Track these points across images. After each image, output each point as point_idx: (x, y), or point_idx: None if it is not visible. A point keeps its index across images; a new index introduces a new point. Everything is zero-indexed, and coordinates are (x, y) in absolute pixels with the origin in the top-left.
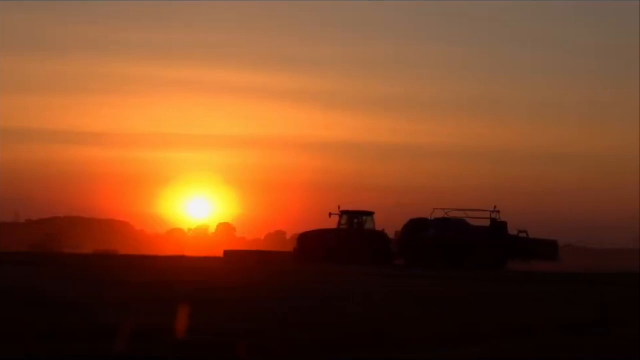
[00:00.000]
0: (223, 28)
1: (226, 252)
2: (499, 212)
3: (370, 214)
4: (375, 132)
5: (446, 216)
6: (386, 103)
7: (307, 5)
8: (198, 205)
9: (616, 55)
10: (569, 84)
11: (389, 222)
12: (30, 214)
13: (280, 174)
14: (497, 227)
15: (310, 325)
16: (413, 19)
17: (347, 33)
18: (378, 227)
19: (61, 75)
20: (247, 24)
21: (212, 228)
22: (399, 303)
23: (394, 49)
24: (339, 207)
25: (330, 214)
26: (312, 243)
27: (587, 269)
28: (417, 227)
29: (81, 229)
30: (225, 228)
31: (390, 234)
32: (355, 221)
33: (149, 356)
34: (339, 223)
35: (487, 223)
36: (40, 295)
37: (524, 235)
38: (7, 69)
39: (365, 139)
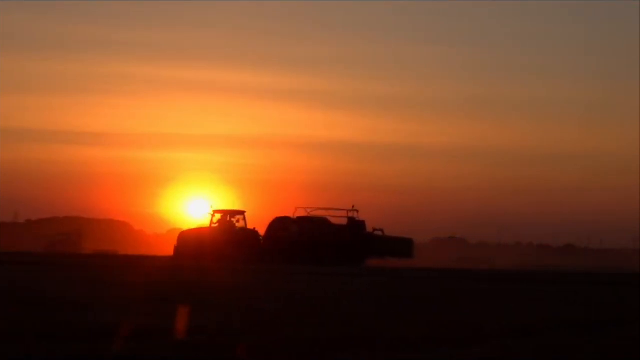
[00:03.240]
0: (223, 28)
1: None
2: (357, 211)
3: (241, 212)
4: (375, 132)
5: (308, 215)
6: (386, 103)
7: (307, 6)
8: (198, 205)
9: (616, 56)
10: (569, 84)
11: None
12: (30, 214)
13: (280, 174)
14: (356, 225)
15: (309, 325)
16: (413, 19)
17: (347, 33)
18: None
19: (61, 75)
20: (247, 24)
21: None
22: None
23: (394, 49)
24: (211, 207)
25: (202, 214)
26: (187, 241)
27: (588, 268)
28: (280, 226)
29: (81, 229)
30: None
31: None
32: (226, 220)
33: (149, 356)
34: (211, 222)
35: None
36: (40, 295)
37: (379, 233)
38: (7, 69)
39: (365, 139)
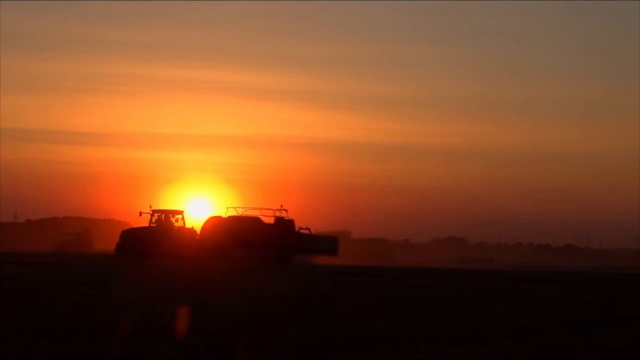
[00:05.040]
0: (223, 28)
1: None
2: (286, 210)
3: (179, 212)
4: (375, 132)
5: (239, 214)
6: (386, 103)
7: (307, 6)
8: (198, 205)
9: (616, 56)
10: (568, 84)
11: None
12: (30, 214)
13: (280, 174)
14: (284, 224)
15: (310, 325)
16: (413, 19)
17: (347, 33)
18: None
19: (61, 75)
20: (247, 24)
21: None
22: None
23: (394, 49)
24: (150, 206)
25: (141, 213)
26: (128, 239)
27: (587, 268)
28: (212, 225)
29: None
30: None
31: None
32: (165, 219)
33: (149, 356)
34: (150, 221)
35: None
36: (40, 295)
37: (306, 232)
38: (7, 69)
39: (365, 139)
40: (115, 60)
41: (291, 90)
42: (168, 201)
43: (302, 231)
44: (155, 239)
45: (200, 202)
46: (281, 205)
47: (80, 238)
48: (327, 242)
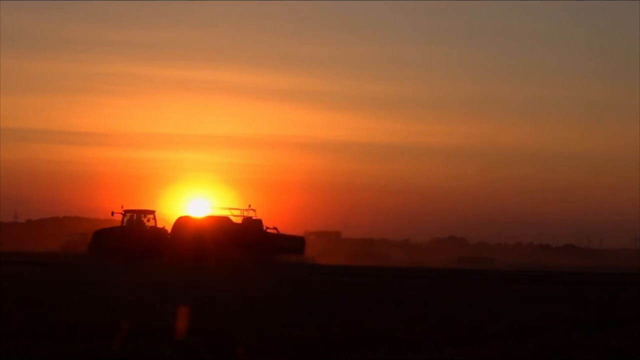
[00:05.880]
0: (223, 28)
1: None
2: (254, 210)
3: (151, 212)
4: (375, 132)
5: (209, 214)
6: (386, 103)
7: (307, 5)
8: (198, 205)
9: (616, 55)
10: (568, 84)
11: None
12: (30, 214)
13: (280, 174)
14: (252, 224)
15: (310, 325)
16: (413, 19)
17: (347, 33)
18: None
19: (61, 75)
20: (247, 24)
21: None
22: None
23: (394, 49)
24: (122, 207)
25: (113, 213)
26: (100, 239)
27: (587, 268)
28: (182, 225)
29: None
30: None
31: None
32: (137, 218)
33: (149, 356)
34: (122, 221)
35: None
36: (40, 295)
37: (274, 231)
38: (7, 69)
39: (365, 139)
40: (115, 60)
41: (291, 90)
42: (168, 201)
43: (269, 231)
44: (127, 239)
45: (200, 202)
46: (249, 205)
47: (86, 239)
48: (293, 242)
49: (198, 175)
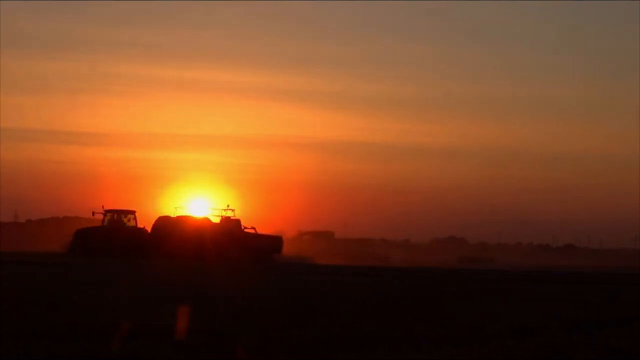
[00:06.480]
0: (223, 28)
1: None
2: (233, 210)
3: (132, 212)
4: (375, 132)
5: (188, 214)
6: (386, 103)
7: (308, 5)
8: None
9: (616, 56)
10: (568, 84)
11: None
12: (30, 214)
13: (280, 174)
14: (230, 223)
15: (311, 325)
16: (413, 19)
17: (347, 33)
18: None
19: (61, 75)
20: (247, 24)
21: None
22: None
23: (394, 49)
24: (103, 207)
25: (94, 213)
26: (81, 238)
27: (587, 268)
28: (162, 225)
29: None
30: None
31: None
32: (117, 218)
33: (149, 356)
34: (103, 221)
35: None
36: (40, 295)
37: (252, 231)
38: (7, 69)
39: (365, 139)
40: (115, 60)
41: (291, 90)
42: (168, 201)
43: (247, 230)
44: (107, 238)
45: (200, 202)
46: (227, 205)
47: None
48: (271, 241)
49: (198, 175)
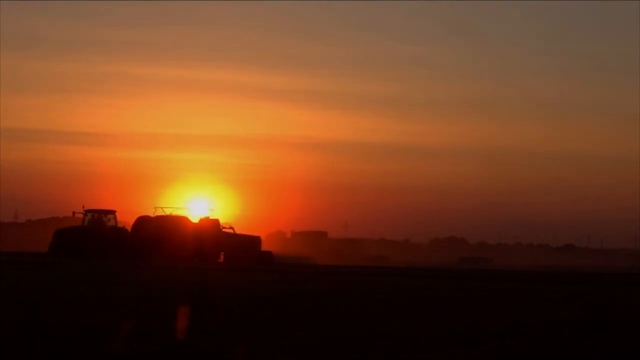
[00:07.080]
0: (223, 28)
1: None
2: (212, 210)
3: (112, 212)
4: (375, 132)
5: (165, 214)
6: (386, 103)
7: (308, 6)
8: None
9: (616, 56)
10: (568, 84)
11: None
12: (30, 214)
13: (280, 174)
14: (208, 223)
15: (312, 325)
16: (412, 20)
17: (347, 33)
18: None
19: (61, 75)
20: (248, 24)
21: None
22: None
23: (394, 49)
24: (83, 207)
25: (74, 213)
26: (60, 238)
27: (588, 268)
28: (141, 225)
29: None
30: None
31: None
32: (97, 218)
33: (149, 356)
34: (83, 221)
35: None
36: (40, 295)
37: (230, 230)
38: (7, 69)
39: (365, 139)
40: (115, 60)
41: (291, 90)
42: (168, 201)
43: (225, 230)
44: (87, 238)
45: (200, 202)
46: (210, 209)
47: None
48: (249, 241)
49: (198, 175)
